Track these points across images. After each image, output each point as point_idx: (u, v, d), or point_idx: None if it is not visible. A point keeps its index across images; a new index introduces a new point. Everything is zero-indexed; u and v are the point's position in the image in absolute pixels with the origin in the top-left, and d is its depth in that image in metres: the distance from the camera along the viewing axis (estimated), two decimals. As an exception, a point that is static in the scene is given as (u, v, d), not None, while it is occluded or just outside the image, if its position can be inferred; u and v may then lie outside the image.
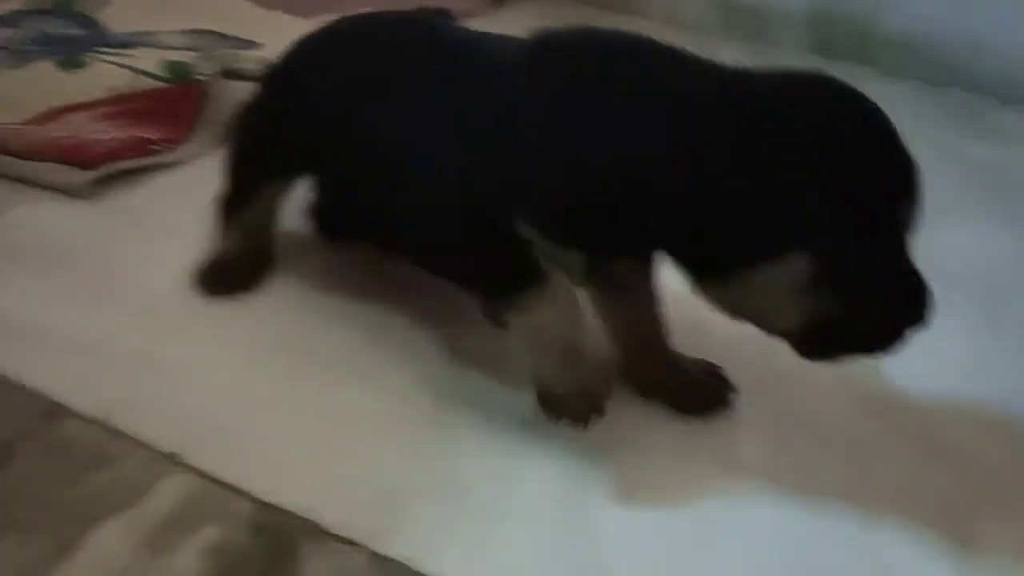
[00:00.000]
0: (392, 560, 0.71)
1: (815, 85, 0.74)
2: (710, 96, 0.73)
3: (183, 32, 1.46)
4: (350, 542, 0.72)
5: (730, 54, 1.65)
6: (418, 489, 0.76)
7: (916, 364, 0.84)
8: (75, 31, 1.44)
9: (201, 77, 1.29)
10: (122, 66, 1.31)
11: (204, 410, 0.83)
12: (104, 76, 1.29)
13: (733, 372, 0.88)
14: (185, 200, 1.09)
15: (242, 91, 1.22)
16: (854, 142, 0.71)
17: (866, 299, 0.72)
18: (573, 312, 0.79)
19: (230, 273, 0.97)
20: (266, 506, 0.74)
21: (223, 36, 1.47)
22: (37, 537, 0.71)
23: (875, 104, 0.73)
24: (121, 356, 0.88)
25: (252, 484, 0.75)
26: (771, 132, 0.71)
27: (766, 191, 0.70)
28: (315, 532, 0.72)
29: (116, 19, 1.48)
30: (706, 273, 0.75)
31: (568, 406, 0.80)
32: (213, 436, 0.80)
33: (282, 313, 0.95)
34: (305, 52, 0.95)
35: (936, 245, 1.20)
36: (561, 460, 0.80)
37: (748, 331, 0.77)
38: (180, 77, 1.29)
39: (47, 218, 1.08)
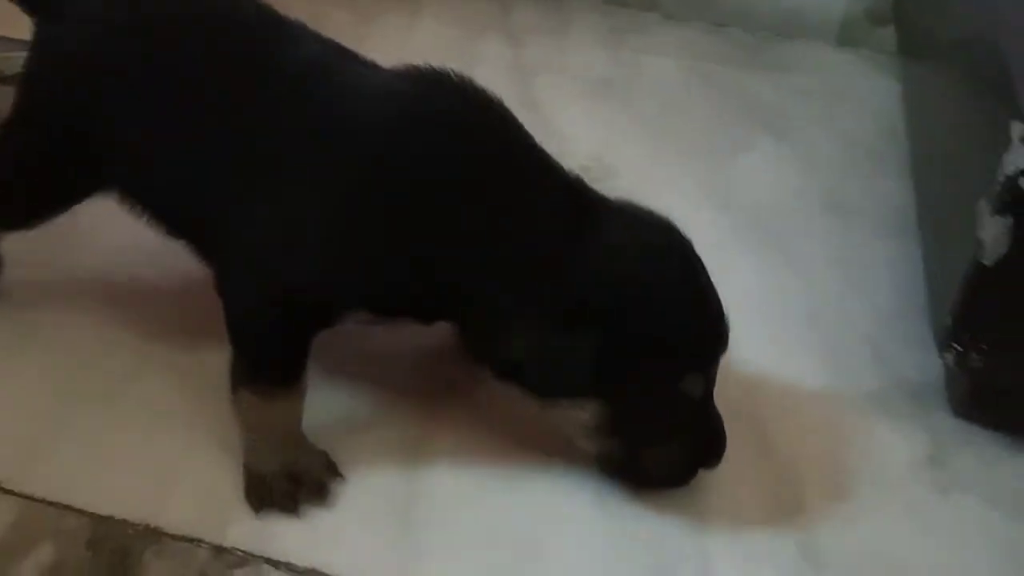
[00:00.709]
0: (232, 550, 0.73)
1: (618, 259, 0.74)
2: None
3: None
4: (190, 539, 0.73)
5: (528, 11, 1.76)
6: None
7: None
8: None
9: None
10: None
11: (16, 435, 0.81)
12: None
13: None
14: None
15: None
16: (658, 309, 0.73)
17: (656, 445, 0.76)
18: (298, 408, 0.79)
19: None
20: (99, 519, 0.74)
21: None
22: None
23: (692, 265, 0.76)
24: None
25: (80, 500, 0.75)
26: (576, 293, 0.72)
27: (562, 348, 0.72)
28: (153, 536, 0.73)
29: None
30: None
31: (276, 489, 0.77)
32: (31, 459, 0.79)
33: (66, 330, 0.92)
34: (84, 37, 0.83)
35: (726, 180, 1.33)
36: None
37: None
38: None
39: None
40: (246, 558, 0.72)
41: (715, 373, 0.77)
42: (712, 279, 0.76)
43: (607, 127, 1.41)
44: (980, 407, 0.88)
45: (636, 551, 0.76)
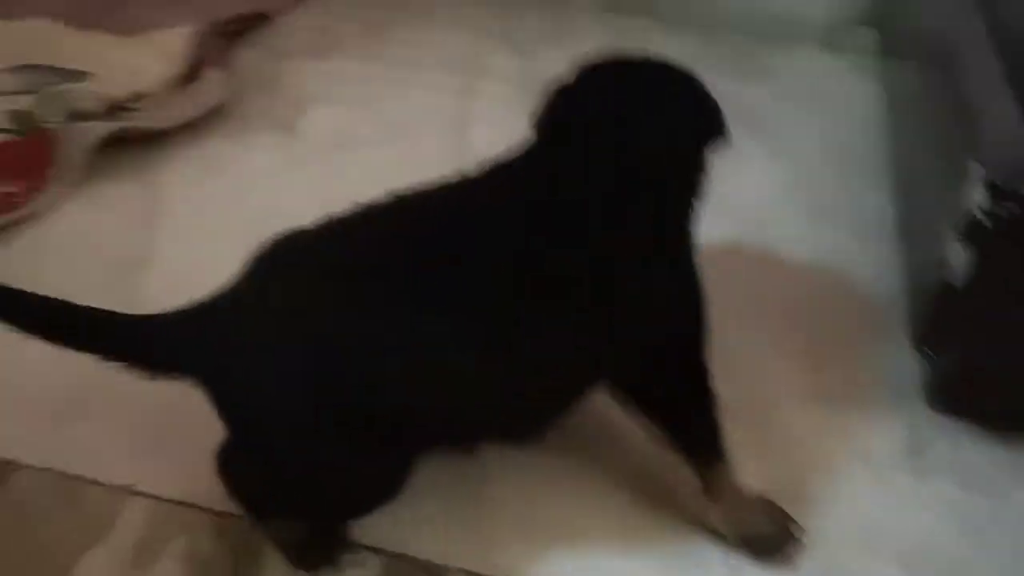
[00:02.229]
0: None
1: None
2: None
3: (11, 69, 1.49)
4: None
5: (529, 13, 1.87)
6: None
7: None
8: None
9: (48, 125, 1.34)
10: (-33, 123, 1.35)
11: (146, 440, 0.94)
12: (-52, 137, 1.32)
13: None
14: (58, 249, 1.20)
15: (89, 131, 1.31)
16: None
17: None
18: None
19: None
20: (222, 515, 0.88)
21: (52, 68, 1.51)
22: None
23: None
24: (50, 403, 0.98)
25: (205, 500, 0.89)
26: None
27: None
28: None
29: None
30: None
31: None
32: (161, 462, 0.92)
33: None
34: None
35: (713, 184, 1.45)
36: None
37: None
38: (27, 127, 1.35)
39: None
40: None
41: None
42: None
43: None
44: (952, 402, 1.02)
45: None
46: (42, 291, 1.09)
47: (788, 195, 1.38)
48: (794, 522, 0.90)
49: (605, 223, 0.82)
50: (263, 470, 0.80)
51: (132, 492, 0.91)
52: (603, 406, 0.91)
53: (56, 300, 0.78)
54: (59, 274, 1.14)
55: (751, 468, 0.94)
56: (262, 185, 1.33)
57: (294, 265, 0.80)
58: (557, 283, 0.80)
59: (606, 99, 0.88)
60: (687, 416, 0.88)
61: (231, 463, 0.83)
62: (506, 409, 0.83)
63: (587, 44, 1.81)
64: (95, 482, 0.92)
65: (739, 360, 1.06)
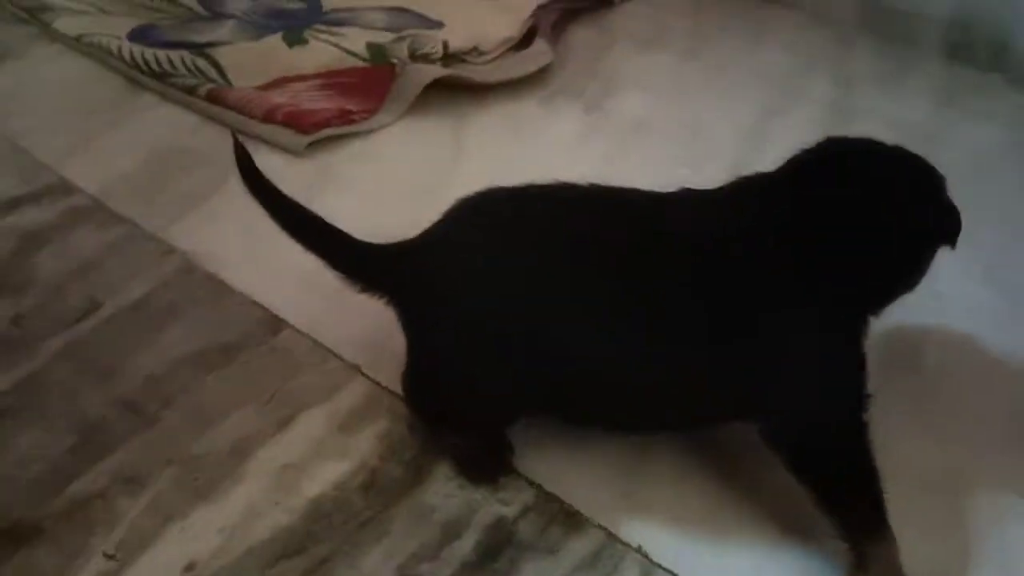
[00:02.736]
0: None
1: None
2: None
3: (383, 9, 1.74)
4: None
5: (863, 48, 1.84)
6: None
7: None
8: (297, 4, 1.75)
9: (394, 60, 1.57)
10: (334, 46, 1.60)
11: (380, 335, 1.10)
12: (319, 54, 1.59)
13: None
14: (375, 162, 1.40)
15: (424, 72, 1.51)
16: None
17: None
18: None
19: None
20: (418, 412, 1.03)
21: (415, 14, 1.74)
22: (267, 411, 1.02)
23: None
24: (322, 285, 1.17)
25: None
26: None
27: None
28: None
29: (330, -6, 1.78)
30: None
31: None
32: (385, 356, 1.08)
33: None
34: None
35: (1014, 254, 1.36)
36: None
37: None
38: (378, 58, 1.58)
39: (273, 170, 1.38)
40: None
41: None
42: None
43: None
44: None
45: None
46: (350, 193, 1.33)
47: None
48: None
49: (803, 272, 0.88)
50: (435, 393, 0.95)
51: (359, 371, 1.07)
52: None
53: (310, 212, 0.97)
54: (368, 183, 1.37)
55: (919, 550, 0.90)
56: (556, 152, 1.46)
57: (491, 215, 0.93)
58: (723, 308, 0.87)
59: (855, 173, 0.93)
60: (838, 486, 0.88)
61: (411, 382, 0.97)
62: (636, 405, 0.92)
63: (918, 88, 1.79)
64: (337, 356, 1.10)
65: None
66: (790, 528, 0.93)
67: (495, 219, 0.92)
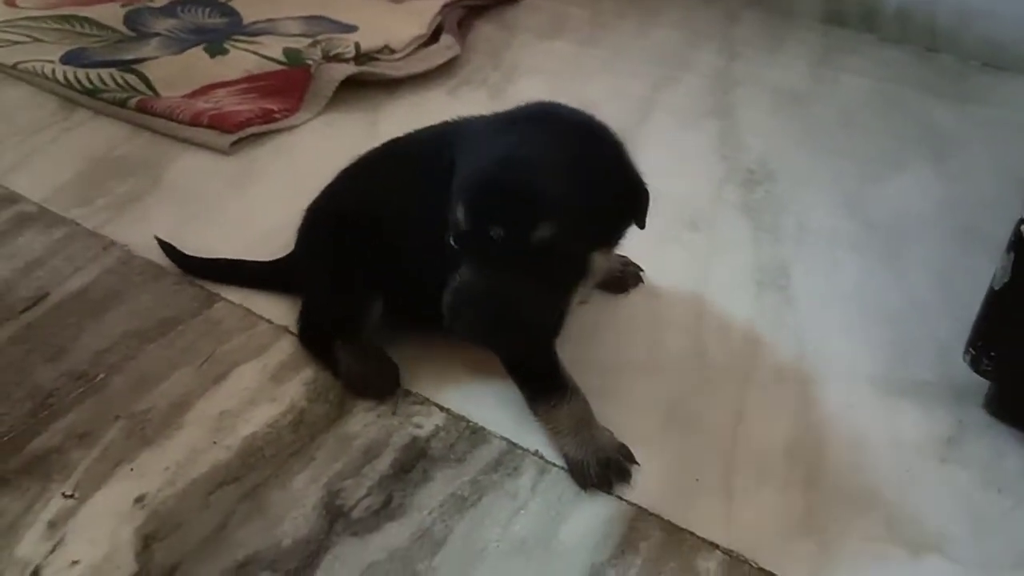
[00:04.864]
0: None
1: None
2: None
3: (299, 18, 1.88)
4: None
5: (748, 21, 2.00)
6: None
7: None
8: (218, 20, 1.88)
9: (309, 61, 1.70)
10: (253, 53, 1.73)
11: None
12: (240, 61, 1.72)
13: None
14: (298, 156, 1.53)
15: (337, 71, 1.64)
16: None
17: None
18: (584, 406, 1.04)
19: None
20: (341, 358, 1.16)
21: (329, 20, 1.88)
22: (203, 370, 1.15)
23: None
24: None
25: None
26: None
27: None
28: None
29: (248, 7, 1.91)
30: None
31: (594, 471, 1.01)
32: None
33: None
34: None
35: (871, 196, 1.51)
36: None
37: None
38: (295, 61, 1.71)
39: (201, 167, 1.52)
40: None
41: None
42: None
43: (783, 137, 1.64)
44: (999, 404, 1.07)
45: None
46: (275, 184, 1.46)
47: (939, 215, 1.43)
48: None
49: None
50: (313, 306, 1.20)
51: (287, 331, 1.20)
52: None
53: (228, 260, 1.29)
54: (290, 174, 1.49)
55: (777, 425, 1.06)
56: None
57: (351, 165, 1.24)
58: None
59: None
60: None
61: (301, 314, 1.20)
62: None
63: (797, 53, 1.95)
64: (267, 320, 1.22)
65: (831, 347, 1.19)
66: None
67: (352, 166, 1.23)
